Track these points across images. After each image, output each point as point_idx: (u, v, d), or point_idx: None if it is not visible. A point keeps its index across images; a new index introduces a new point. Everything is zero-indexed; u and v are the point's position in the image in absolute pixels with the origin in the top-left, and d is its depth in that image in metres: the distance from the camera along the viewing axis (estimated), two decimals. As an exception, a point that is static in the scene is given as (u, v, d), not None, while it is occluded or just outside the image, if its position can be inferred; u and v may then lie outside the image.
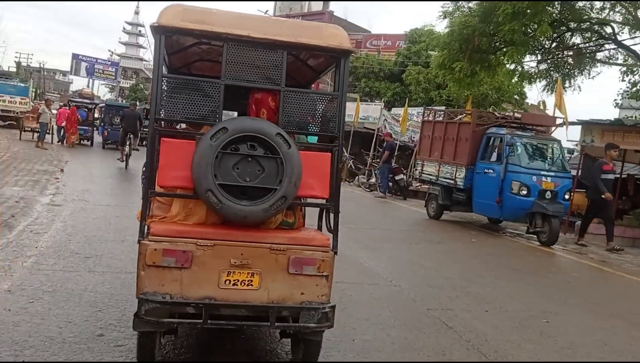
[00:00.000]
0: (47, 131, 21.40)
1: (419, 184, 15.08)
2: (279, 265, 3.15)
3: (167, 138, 3.16)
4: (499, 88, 24.84)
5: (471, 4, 13.79)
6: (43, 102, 21.62)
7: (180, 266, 3.04)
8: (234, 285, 3.12)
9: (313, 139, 3.65)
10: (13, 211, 7.06)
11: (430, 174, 12.20)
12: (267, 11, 41.06)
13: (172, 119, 3.33)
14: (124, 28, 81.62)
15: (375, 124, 23.57)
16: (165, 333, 3.29)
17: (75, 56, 44.57)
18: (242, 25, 3.15)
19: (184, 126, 3.80)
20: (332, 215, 3.27)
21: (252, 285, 3.15)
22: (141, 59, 74.73)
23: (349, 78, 33.73)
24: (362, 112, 24.87)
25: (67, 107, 24.49)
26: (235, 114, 4.14)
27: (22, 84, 31.75)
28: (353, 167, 20.10)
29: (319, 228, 3.52)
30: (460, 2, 13.84)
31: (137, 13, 74.45)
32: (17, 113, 26.69)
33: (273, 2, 43.36)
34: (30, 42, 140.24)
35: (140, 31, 79.89)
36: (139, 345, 3.21)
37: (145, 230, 3.05)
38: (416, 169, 13.23)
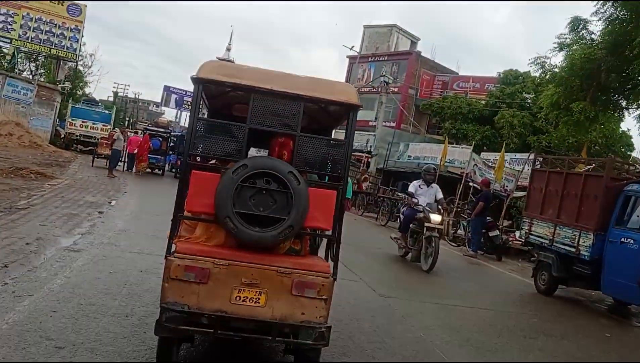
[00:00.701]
0: (120, 159, 21.26)
1: (524, 246, 12.73)
2: (284, 287, 3.63)
3: (197, 170, 3.80)
4: (610, 136, 21.19)
5: (595, 35, 11.74)
6: (118, 129, 20.63)
7: (198, 281, 3.56)
8: (243, 301, 3.62)
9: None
10: (14, 258, 5.96)
11: (542, 237, 9.75)
12: (352, 47, 41.21)
13: (203, 155, 4.04)
14: None
15: (461, 169, 22.04)
16: (182, 340, 3.79)
17: (166, 88, 46.61)
18: (266, 80, 3.85)
19: (212, 161, 4.22)
20: (334, 245, 3.84)
21: (259, 303, 3.63)
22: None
23: (434, 119, 30.75)
24: (448, 155, 23.23)
25: (138, 135, 24.71)
26: (265, 152, 4.48)
27: (106, 111, 32.44)
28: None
29: (326, 257, 4.03)
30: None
31: (228, 50, 76.97)
32: (98, 139, 26.97)
33: (359, 42, 42.93)
34: (132, 75, 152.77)
35: None
36: (158, 349, 3.74)
37: (173, 248, 3.59)
38: (522, 229, 10.96)
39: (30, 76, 30.13)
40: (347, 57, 43.19)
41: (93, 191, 13.03)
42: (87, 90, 49.15)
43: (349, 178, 4.62)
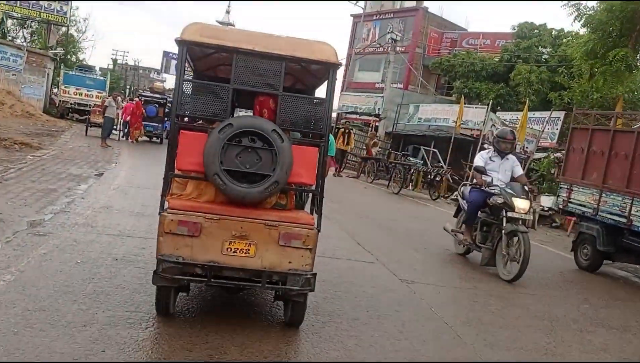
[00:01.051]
0: (115, 128, 20.30)
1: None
2: (271, 238, 3.91)
3: (185, 130, 4.02)
4: (637, 90, 19.59)
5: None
6: (111, 95, 19.15)
7: (191, 235, 3.83)
8: (234, 252, 3.91)
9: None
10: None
11: (584, 206, 8.57)
12: (356, 3, 39.01)
13: (190, 115, 4.25)
14: None
15: (473, 130, 21.47)
16: (178, 290, 4.06)
17: (166, 54, 44.93)
18: (249, 41, 4.02)
19: (199, 121, 4.39)
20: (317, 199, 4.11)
21: (249, 253, 3.93)
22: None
23: (444, 79, 28.64)
24: (449, 115, 22.91)
25: (133, 102, 22.94)
26: (251, 112, 4.64)
27: (102, 78, 31.27)
28: (451, 180, 17.34)
29: (311, 211, 4.31)
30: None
31: (228, 12, 74.73)
32: (93, 107, 25.76)
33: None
34: (133, 43, 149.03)
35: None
36: (156, 299, 4.01)
37: (166, 205, 3.81)
38: (559, 196, 9.58)
39: (25, 44, 28.71)
40: (351, 15, 41.57)
41: (80, 162, 12.05)
42: (81, 56, 46.83)
43: (331, 136, 5.04)
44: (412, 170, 17.26)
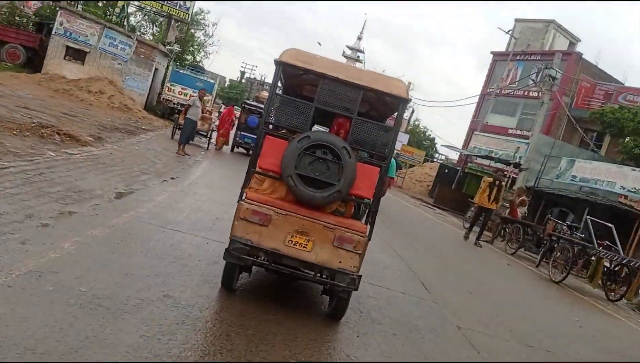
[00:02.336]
0: (205, 133, 19.22)
1: None
2: (327, 238, 4.67)
3: (270, 136, 4.92)
4: None
5: None
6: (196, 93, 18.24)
7: (261, 224, 4.64)
8: (294, 244, 4.68)
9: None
10: None
11: None
12: (509, 31, 38.23)
13: (277, 124, 5.20)
14: (344, 52, 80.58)
15: None
16: (242, 270, 5.06)
17: None
18: (335, 69, 4.82)
19: (283, 130, 5.34)
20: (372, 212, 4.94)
21: (306, 248, 4.69)
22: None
23: (590, 134, 21.67)
24: (617, 178, 19.14)
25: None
26: (327, 129, 5.60)
27: (211, 80, 30.01)
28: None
29: (365, 222, 5.15)
30: None
31: (359, 39, 72.70)
32: (184, 106, 21.66)
33: (509, 37, 38.85)
34: (267, 61, 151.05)
35: (358, 57, 77.27)
36: (224, 272, 4.97)
37: (244, 195, 4.76)
38: None
39: (136, 33, 28.60)
40: (491, 53, 39.82)
41: (120, 171, 9.53)
42: (205, 60, 47.31)
43: (393, 159, 5.83)
44: (584, 253, 11.38)
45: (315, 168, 4.72)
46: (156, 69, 27.29)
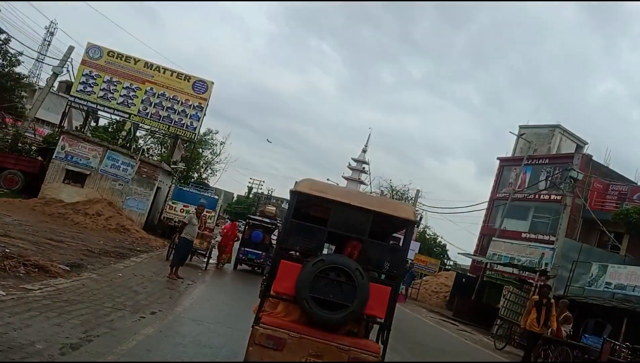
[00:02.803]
0: (204, 252, 17.61)
1: None
2: (341, 360, 4.82)
3: (285, 260, 5.28)
4: None
5: None
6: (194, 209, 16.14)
7: (275, 348, 4.82)
8: None
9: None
10: None
11: None
12: (522, 134, 38.23)
13: (291, 249, 5.77)
14: (350, 164, 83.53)
15: None
16: None
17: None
18: (346, 197, 5.33)
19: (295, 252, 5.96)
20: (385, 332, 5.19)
21: None
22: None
23: (608, 235, 20.08)
24: None
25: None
26: (334, 247, 6.73)
27: (214, 196, 29.82)
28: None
29: (377, 340, 5.32)
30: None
31: (364, 151, 75.78)
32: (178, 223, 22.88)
33: (514, 142, 39.69)
34: (275, 177, 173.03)
35: (364, 168, 80.00)
36: None
37: (259, 320, 5.06)
38: None
39: (139, 154, 27.86)
40: (498, 158, 40.45)
41: (87, 311, 7.56)
42: (212, 177, 48.46)
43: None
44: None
45: (330, 290, 4.96)
46: (159, 188, 27.39)
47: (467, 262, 42.45)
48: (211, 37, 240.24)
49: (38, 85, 38.95)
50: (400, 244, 5.78)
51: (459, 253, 54.23)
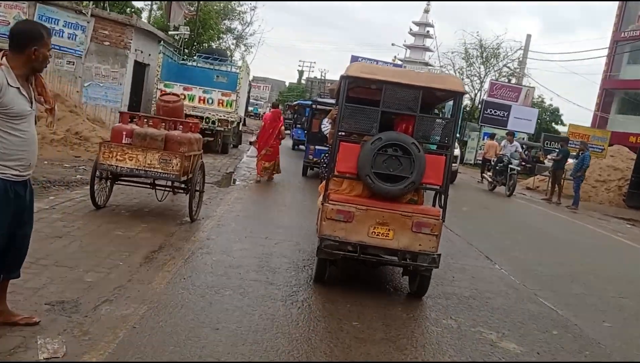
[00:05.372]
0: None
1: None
2: (406, 225, 5.71)
3: (344, 142, 6.22)
4: None
5: None
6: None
7: (345, 221, 5.74)
8: (377, 235, 5.71)
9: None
10: None
11: None
12: None
13: (348, 131, 6.35)
14: (410, 29, 74.29)
15: None
16: (331, 263, 6.14)
17: (354, 58, 43.29)
18: (396, 76, 5.96)
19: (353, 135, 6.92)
20: (443, 197, 6.26)
21: (388, 236, 5.68)
22: (426, 64, 73.28)
23: None
24: None
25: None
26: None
27: (234, 71, 19.84)
28: None
29: (433, 204, 6.24)
30: None
31: (427, 12, 64.68)
32: (217, 124, 17.26)
33: None
34: (325, 61, 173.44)
35: (428, 32, 70.01)
36: (317, 267, 6.17)
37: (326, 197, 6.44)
38: None
39: (90, 8, 18.60)
40: None
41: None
42: (247, 55, 39.59)
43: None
44: None
45: (389, 165, 5.74)
46: (145, 64, 19.50)
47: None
48: None
49: None
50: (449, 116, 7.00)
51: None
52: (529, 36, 38.05)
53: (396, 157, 5.76)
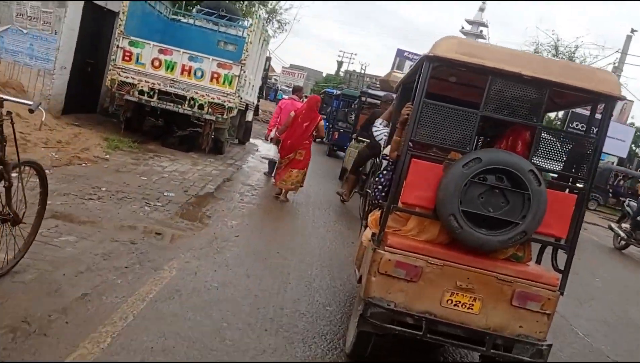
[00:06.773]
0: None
1: None
2: (502, 295, 3.77)
3: (417, 159, 4.01)
4: None
5: None
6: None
7: (408, 279, 3.78)
8: (455, 305, 3.75)
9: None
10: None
11: None
12: None
13: (426, 142, 4.07)
14: (462, 27, 70.80)
15: None
16: (379, 336, 4.26)
17: (400, 53, 40.65)
18: (513, 62, 3.72)
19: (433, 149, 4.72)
20: (565, 256, 4.07)
21: (472, 309, 3.72)
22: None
23: None
24: None
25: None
26: (480, 141, 5.28)
27: (242, 37, 13.39)
28: None
29: (538, 262, 4.30)
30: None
31: (482, 10, 60.94)
32: (206, 110, 11.74)
33: None
34: (366, 56, 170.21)
35: (481, 31, 65.95)
36: (356, 342, 4.08)
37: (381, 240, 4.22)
38: None
39: None
40: None
41: None
42: (279, 34, 35.04)
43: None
44: None
45: (488, 202, 3.66)
46: (110, 10, 12.75)
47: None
48: None
49: None
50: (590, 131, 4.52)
51: None
52: (628, 37, 27.18)
53: (501, 190, 3.55)
